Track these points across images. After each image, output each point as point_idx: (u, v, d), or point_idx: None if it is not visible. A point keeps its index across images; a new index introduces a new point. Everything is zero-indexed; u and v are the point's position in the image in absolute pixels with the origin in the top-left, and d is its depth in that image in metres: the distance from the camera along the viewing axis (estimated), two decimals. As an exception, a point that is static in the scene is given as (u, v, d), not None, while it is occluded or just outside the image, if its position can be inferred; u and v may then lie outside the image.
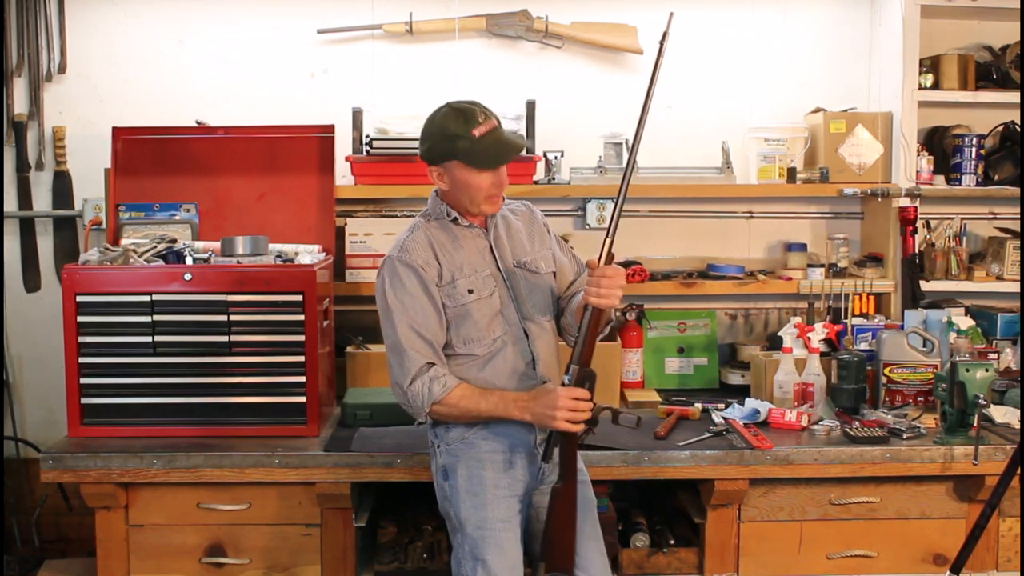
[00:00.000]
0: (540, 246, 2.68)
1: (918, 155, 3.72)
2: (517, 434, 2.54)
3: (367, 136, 3.61)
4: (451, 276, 2.52)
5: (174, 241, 3.26)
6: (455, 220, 2.57)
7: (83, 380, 3.04)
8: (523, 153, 2.69)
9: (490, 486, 2.51)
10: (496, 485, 2.51)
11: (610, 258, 2.43)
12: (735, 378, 3.71)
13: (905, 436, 3.00)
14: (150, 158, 3.55)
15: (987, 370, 3.04)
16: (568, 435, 2.44)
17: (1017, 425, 3.11)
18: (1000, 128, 3.88)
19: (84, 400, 3.04)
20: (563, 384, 2.43)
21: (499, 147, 2.47)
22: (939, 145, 3.86)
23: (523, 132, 3.63)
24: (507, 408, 2.47)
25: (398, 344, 2.48)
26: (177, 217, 3.48)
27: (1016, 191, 3.76)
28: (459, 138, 2.44)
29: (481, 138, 2.44)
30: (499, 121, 2.51)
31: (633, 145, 2.43)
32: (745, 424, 3.14)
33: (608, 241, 2.42)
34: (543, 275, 2.64)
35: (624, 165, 2.43)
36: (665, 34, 2.40)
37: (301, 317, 3.03)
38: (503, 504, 2.51)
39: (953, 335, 3.30)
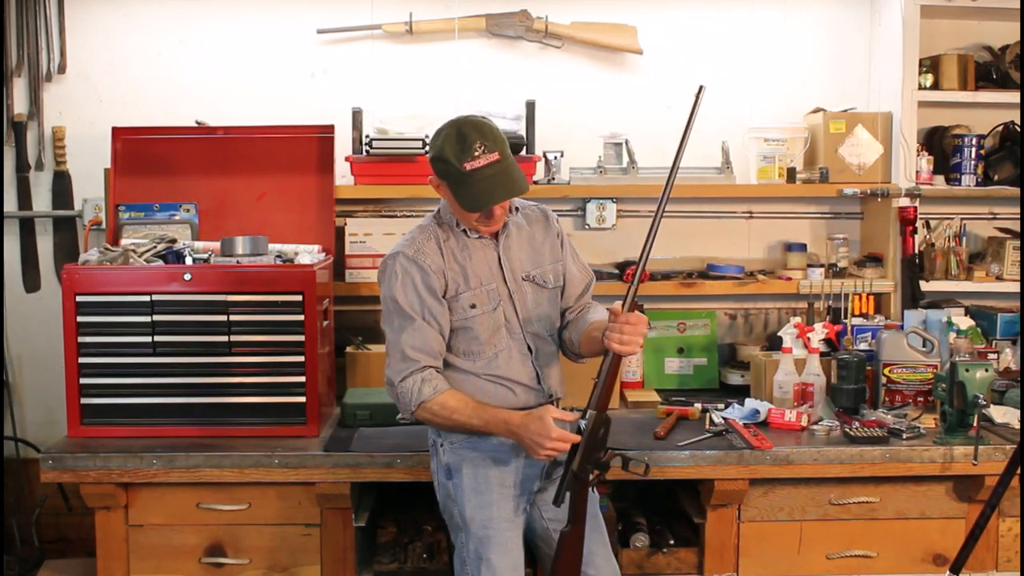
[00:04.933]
0: (551, 258, 2.63)
1: (918, 155, 3.72)
2: None
3: (367, 136, 3.61)
4: (455, 289, 2.49)
5: (174, 241, 3.26)
6: (464, 231, 2.53)
7: (83, 380, 3.03)
8: (519, 194, 2.42)
9: (496, 485, 2.50)
10: (502, 484, 2.51)
11: (634, 306, 2.40)
12: (735, 378, 3.71)
13: (905, 436, 3.00)
14: (150, 158, 3.55)
15: (987, 370, 3.03)
16: (580, 478, 2.40)
17: (1017, 425, 3.11)
18: (1000, 128, 3.87)
19: (84, 400, 3.04)
20: (579, 429, 2.39)
21: (489, 185, 2.33)
22: (939, 145, 3.85)
23: (523, 132, 3.63)
24: (496, 428, 2.43)
25: (398, 344, 2.47)
26: (177, 217, 3.48)
27: (1016, 191, 3.76)
28: (451, 166, 2.33)
29: (471, 173, 2.32)
30: (505, 152, 2.36)
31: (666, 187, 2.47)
32: (745, 424, 3.14)
33: (633, 289, 2.40)
34: (551, 289, 2.62)
35: (654, 215, 2.48)
36: (698, 98, 2.39)
37: (301, 317, 3.03)
38: (509, 503, 2.51)
39: (953, 335, 3.29)
